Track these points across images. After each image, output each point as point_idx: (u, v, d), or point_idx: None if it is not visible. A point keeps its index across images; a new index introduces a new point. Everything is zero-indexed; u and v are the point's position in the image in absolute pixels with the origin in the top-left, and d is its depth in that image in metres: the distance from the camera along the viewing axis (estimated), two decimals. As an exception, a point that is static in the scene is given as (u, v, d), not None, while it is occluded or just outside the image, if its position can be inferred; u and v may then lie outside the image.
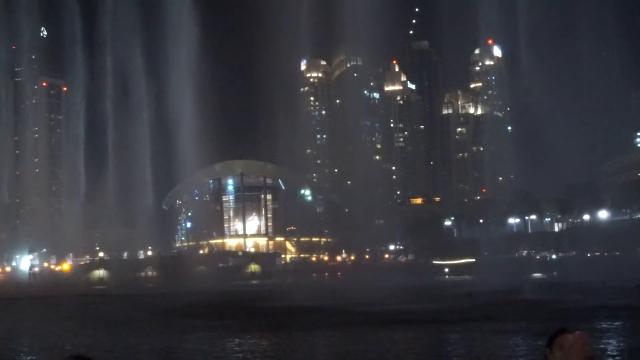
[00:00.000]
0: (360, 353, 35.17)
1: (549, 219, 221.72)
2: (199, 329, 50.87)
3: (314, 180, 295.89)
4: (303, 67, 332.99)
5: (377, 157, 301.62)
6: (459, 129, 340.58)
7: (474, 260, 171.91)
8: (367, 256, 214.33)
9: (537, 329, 43.19)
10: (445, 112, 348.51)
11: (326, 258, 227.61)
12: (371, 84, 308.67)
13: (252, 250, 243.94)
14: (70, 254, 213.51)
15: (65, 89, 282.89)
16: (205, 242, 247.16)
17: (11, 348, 42.94)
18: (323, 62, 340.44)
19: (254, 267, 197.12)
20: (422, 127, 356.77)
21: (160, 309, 76.16)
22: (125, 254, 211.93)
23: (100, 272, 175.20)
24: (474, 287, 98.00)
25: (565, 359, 5.77)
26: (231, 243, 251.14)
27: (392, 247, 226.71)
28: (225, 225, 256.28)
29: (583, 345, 5.79)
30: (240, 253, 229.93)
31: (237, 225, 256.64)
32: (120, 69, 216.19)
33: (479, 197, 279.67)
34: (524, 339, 38.50)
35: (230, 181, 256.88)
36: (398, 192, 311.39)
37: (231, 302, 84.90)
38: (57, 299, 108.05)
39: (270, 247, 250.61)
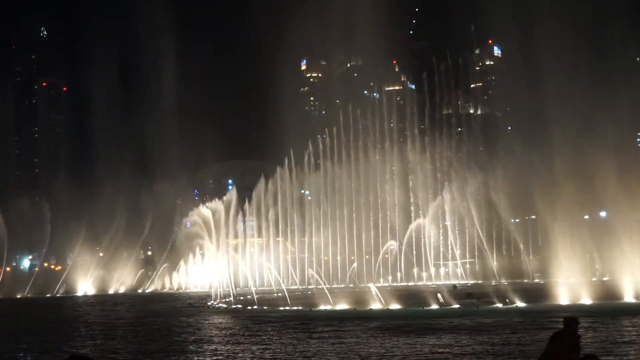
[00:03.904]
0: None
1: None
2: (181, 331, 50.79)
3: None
4: (303, 67, 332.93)
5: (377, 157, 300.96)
6: (459, 129, 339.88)
7: (473, 260, 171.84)
8: (367, 256, 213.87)
9: (535, 333, 43.07)
10: (445, 112, 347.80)
11: (326, 258, 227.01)
12: (371, 84, 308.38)
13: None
14: (70, 254, 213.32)
15: (65, 89, 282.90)
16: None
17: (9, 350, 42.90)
18: (323, 62, 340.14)
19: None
20: (422, 127, 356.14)
21: (155, 310, 76.11)
22: (125, 254, 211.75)
23: (99, 272, 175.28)
24: (474, 288, 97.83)
25: (552, 344, 5.70)
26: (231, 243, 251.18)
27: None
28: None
29: (574, 332, 5.72)
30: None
31: (237, 225, 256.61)
32: (120, 68, 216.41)
33: (479, 197, 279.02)
34: (519, 342, 38.33)
35: (230, 181, 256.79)
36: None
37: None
38: (57, 300, 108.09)
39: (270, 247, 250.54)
